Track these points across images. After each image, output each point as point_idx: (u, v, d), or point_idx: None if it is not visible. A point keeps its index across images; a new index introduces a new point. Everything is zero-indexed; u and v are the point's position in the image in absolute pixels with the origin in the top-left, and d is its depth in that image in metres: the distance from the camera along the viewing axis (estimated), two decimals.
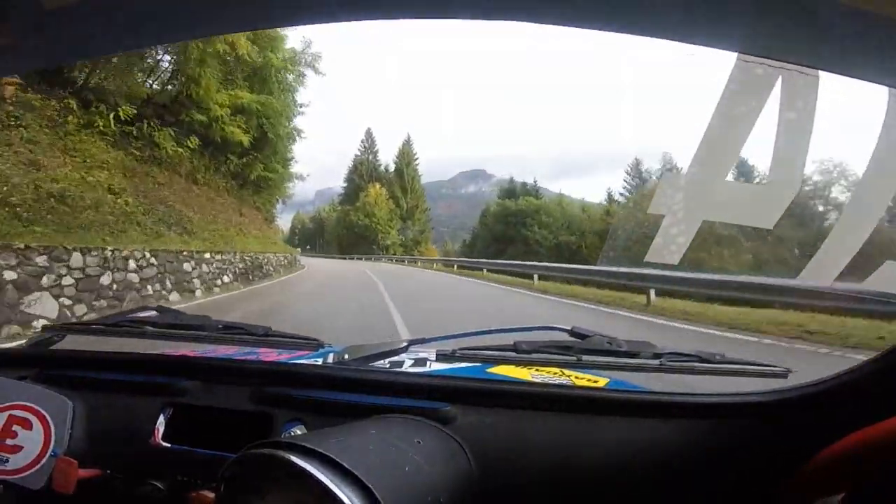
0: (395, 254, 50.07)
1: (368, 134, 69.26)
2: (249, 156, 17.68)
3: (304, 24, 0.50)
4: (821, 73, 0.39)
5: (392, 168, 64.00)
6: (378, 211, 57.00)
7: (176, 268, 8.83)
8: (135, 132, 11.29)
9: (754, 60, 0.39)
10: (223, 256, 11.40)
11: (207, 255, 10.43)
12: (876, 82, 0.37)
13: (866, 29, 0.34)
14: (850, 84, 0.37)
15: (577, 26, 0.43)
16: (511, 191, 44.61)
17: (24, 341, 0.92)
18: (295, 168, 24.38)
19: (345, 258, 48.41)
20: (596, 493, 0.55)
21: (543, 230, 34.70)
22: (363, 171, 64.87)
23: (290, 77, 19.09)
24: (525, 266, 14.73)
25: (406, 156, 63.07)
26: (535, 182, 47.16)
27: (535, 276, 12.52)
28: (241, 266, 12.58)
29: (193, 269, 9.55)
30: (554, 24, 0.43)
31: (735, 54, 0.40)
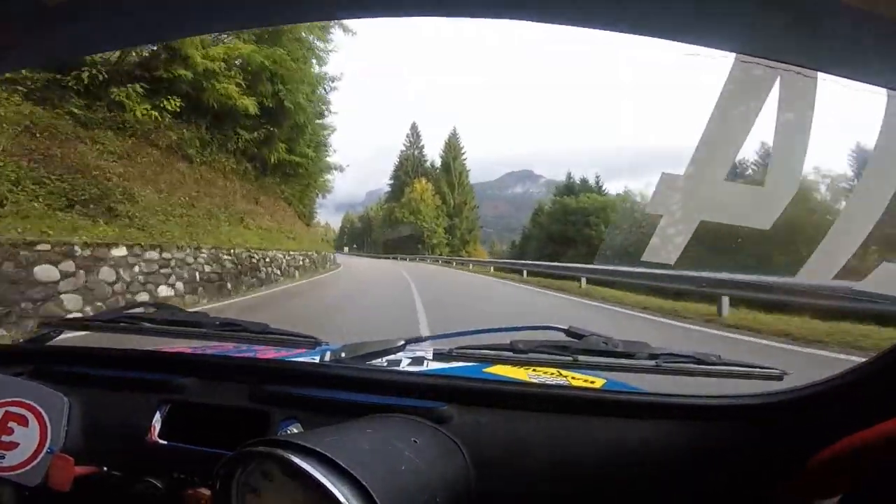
0: (440, 254, 45.65)
1: (413, 128, 65.04)
2: (263, 129, 14.14)
3: (306, 21, 0.51)
4: (819, 73, 0.39)
5: (438, 164, 59.02)
6: (424, 207, 52.24)
7: (8, 275, 4.71)
8: (73, 84, 8.54)
9: (753, 61, 0.39)
10: (165, 255, 7.24)
11: (121, 252, 6.32)
12: (874, 83, 0.38)
13: (865, 30, 0.34)
14: (849, 85, 0.38)
15: (578, 26, 0.43)
16: (569, 187, 38.63)
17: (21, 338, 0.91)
18: (333, 157, 21.27)
19: (388, 258, 44.04)
20: (592, 493, 0.55)
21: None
22: (409, 167, 60.53)
23: (316, 41, 15.75)
24: (710, 282, 6.41)
25: (453, 149, 57.73)
26: (597, 178, 40.15)
27: (725, 301, 6.10)
28: (210, 269, 8.33)
29: (68, 276, 5.40)
30: (557, 23, 0.43)
31: (734, 55, 0.40)
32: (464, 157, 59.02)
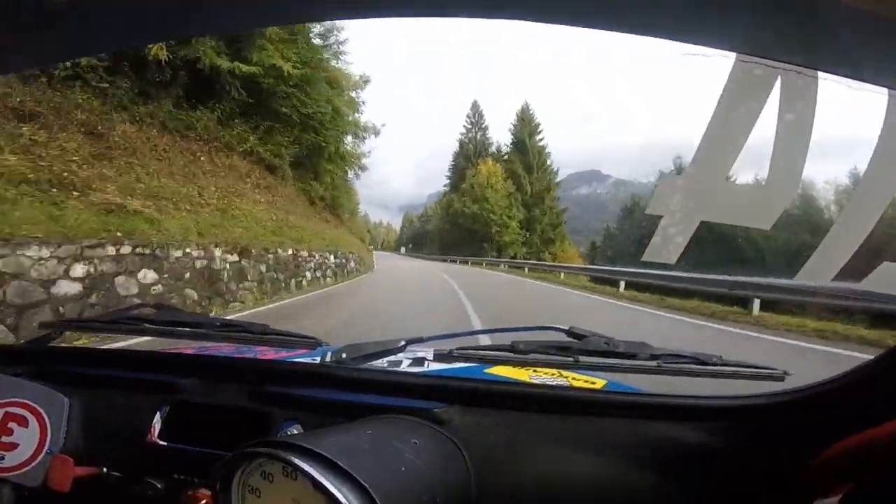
0: (514, 255, 34.67)
1: (475, 107, 52.64)
2: None
3: (307, 21, 0.51)
4: (820, 73, 0.40)
5: (508, 146, 45.31)
6: (492, 194, 38.78)
7: None
8: None
9: (754, 61, 0.39)
10: None
11: None
12: (875, 83, 0.38)
13: (866, 30, 0.34)
14: (850, 85, 0.38)
15: (578, 26, 0.43)
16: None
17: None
18: (365, 116, 14.91)
19: (445, 260, 34.49)
20: (592, 494, 0.55)
21: None
22: (470, 152, 48.92)
23: None
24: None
25: (528, 124, 44.03)
26: None
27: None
28: None
29: None
30: (555, 23, 0.43)
31: (734, 54, 0.40)
32: (541, 135, 43.95)
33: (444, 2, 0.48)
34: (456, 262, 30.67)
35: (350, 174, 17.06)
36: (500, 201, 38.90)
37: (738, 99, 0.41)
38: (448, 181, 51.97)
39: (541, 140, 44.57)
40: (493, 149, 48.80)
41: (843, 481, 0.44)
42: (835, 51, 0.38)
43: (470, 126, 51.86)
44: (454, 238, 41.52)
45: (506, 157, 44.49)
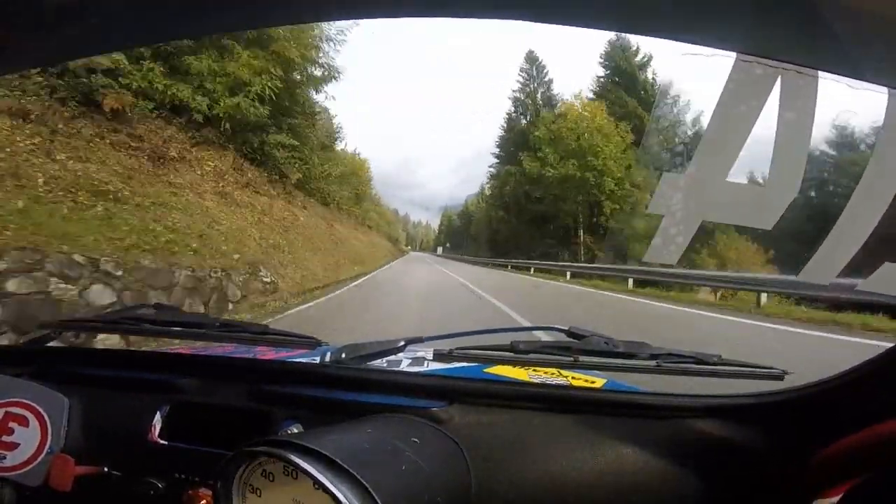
0: (638, 259, 12.17)
1: (530, 58, 33.70)
2: None
3: (306, 21, 0.50)
4: (820, 73, 0.40)
5: (602, 77, 27.07)
6: (602, 142, 20.79)
7: None
8: None
9: (754, 60, 0.40)
10: None
11: None
12: (875, 83, 0.38)
13: (866, 29, 0.34)
14: (850, 85, 0.38)
15: (577, 26, 0.43)
16: None
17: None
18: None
19: (506, 267, 20.03)
20: (591, 493, 0.55)
21: None
22: (530, 109, 32.36)
23: None
24: None
25: (630, 54, 26.01)
26: None
27: None
28: None
29: None
30: (555, 23, 0.43)
31: (734, 54, 0.40)
32: (649, 68, 25.83)
33: (444, 2, 0.48)
34: (529, 270, 15.89)
35: (321, 98, 8.46)
36: (615, 154, 20.38)
37: (738, 99, 0.41)
38: (496, 160, 34.66)
39: (648, 77, 26.35)
40: (561, 102, 30.48)
41: (844, 480, 0.44)
42: (835, 51, 0.38)
43: (527, 79, 33.58)
44: (513, 229, 25.10)
45: (601, 99, 24.91)
